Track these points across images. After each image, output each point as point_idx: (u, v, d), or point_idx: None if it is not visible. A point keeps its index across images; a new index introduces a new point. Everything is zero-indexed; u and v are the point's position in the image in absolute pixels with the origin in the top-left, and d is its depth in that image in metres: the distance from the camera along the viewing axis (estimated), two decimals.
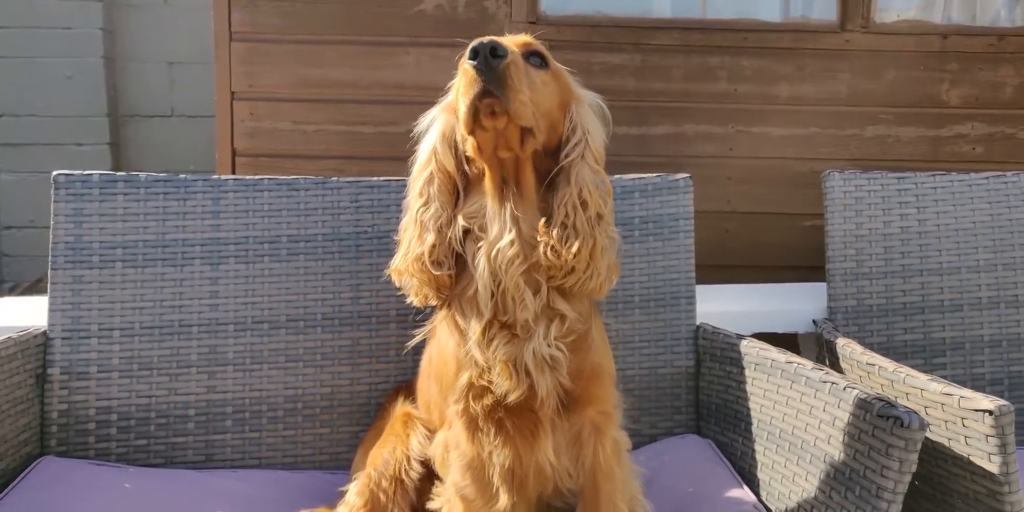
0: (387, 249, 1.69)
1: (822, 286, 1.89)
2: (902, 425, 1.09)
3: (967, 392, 1.20)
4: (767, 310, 1.98)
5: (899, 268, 1.86)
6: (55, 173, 1.63)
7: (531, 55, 1.08)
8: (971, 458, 1.19)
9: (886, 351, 1.80)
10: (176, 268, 1.64)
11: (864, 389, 1.20)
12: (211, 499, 1.47)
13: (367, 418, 1.66)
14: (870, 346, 1.75)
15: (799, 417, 1.35)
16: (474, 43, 0.98)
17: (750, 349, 1.54)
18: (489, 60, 0.97)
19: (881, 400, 1.15)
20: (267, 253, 1.67)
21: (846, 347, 1.61)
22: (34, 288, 3.67)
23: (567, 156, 1.09)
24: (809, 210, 2.39)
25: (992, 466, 1.15)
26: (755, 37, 2.46)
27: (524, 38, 1.10)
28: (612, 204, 1.14)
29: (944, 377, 1.67)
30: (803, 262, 2.41)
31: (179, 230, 1.65)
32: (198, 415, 1.62)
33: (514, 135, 1.02)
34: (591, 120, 1.14)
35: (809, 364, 1.37)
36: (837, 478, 1.21)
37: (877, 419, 1.14)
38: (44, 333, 1.59)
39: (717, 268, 2.38)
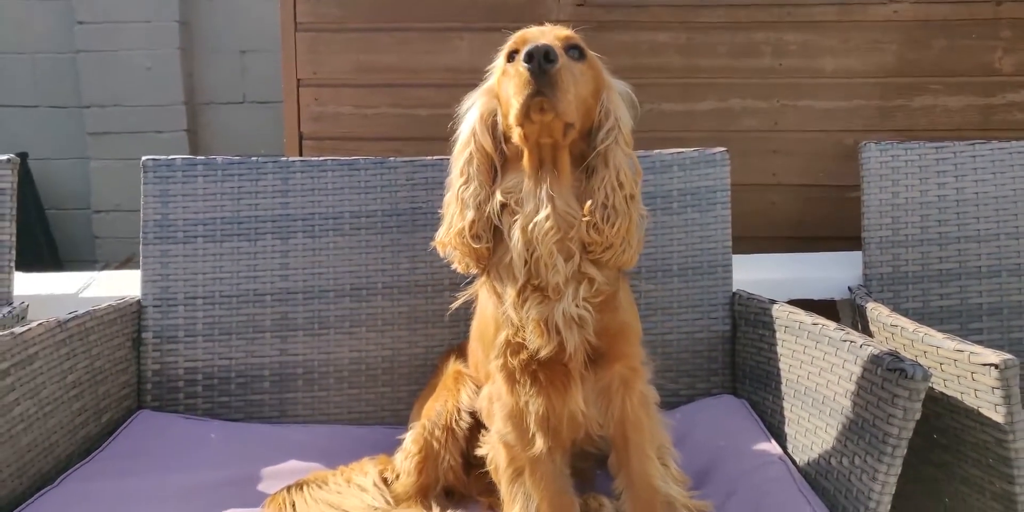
0: (439, 223, 1.82)
1: (859, 254, 1.95)
2: (907, 376, 1.18)
3: (977, 348, 1.28)
4: (804, 278, 2.05)
5: (936, 235, 1.91)
6: (144, 158, 1.82)
7: (571, 48, 1.18)
8: (980, 410, 1.27)
9: (921, 317, 1.87)
10: (250, 242, 1.81)
11: (877, 346, 1.29)
12: (285, 449, 1.64)
13: (424, 377, 1.80)
14: (905, 312, 1.82)
15: (822, 374, 1.44)
16: (529, 47, 1.08)
17: (781, 313, 1.63)
18: (543, 64, 1.08)
19: (891, 355, 1.24)
20: (331, 228, 1.82)
21: (874, 310, 1.68)
22: (123, 267, 3.94)
23: (603, 141, 1.20)
24: (854, 182, 2.44)
25: (998, 416, 1.23)
26: (799, 11, 2.50)
27: (565, 32, 1.20)
28: (641, 183, 1.24)
29: (981, 342, 1.72)
30: (849, 233, 2.45)
31: (252, 208, 1.82)
32: (272, 375, 1.79)
33: (558, 127, 1.14)
34: (621, 106, 1.24)
35: (832, 325, 1.46)
36: (851, 428, 1.30)
37: (887, 372, 1.23)
38: (138, 301, 1.77)
39: (763, 240, 2.46)
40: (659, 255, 1.83)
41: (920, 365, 1.18)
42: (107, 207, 4.32)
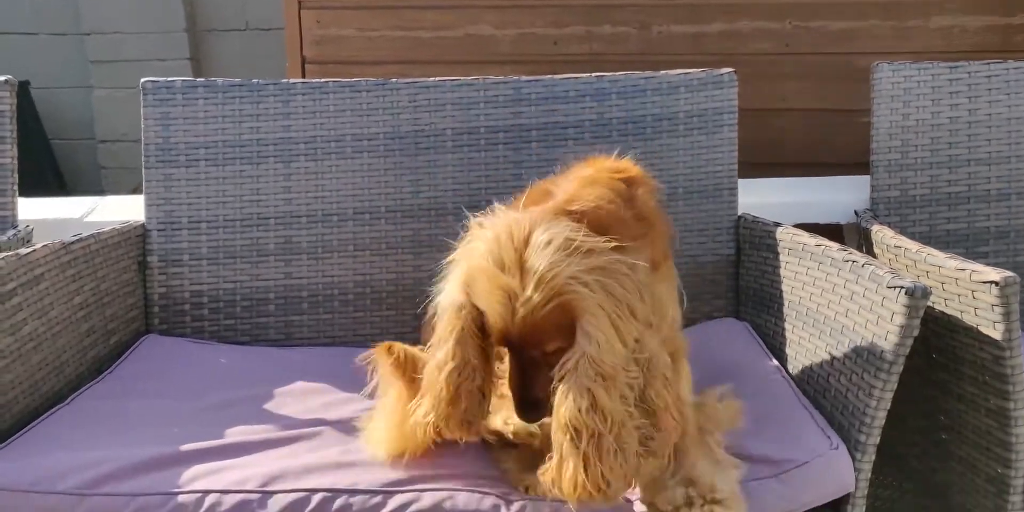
0: (443, 146, 1.81)
1: (866, 179, 1.93)
2: (907, 293, 1.18)
3: (978, 266, 1.27)
4: (811, 201, 2.04)
5: (946, 158, 1.89)
6: (143, 80, 1.80)
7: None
8: (979, 327, 1.27)
9: (928, 241, 1.85)
10: (253, 166, 1.80)
11: (879, 265, 1.29)
12: (292, 370, 1.66)
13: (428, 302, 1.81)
14: (912, 236, 1.80)
15: (823, 295, 1.45)
16: None
17: (785, 235, 1.63)
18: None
19: (891, 273, 1.24)
20: (333, 151, 1.81)
21: (878, 233, 1.67)
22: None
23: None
24: (866, 106, 2.39)
25: (996, 333, 1.23)
26: None
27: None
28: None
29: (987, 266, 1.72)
30: (860, 159, 2.42)
31: (254, 131, 1.80)
32: (277, 298, 1.80)
33: None
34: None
35: (835, 246, 1.45)
36: (849, 346, 1.31)
37: (887, 290, 1.23)
38: (143, 225, 1.78)
39: (770, 166, 2.43)
40: (664, 178, 1.81)
41: (920, 283, 1.18)
42: (112, 137, 4.30)
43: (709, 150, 1.83)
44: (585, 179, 1.22)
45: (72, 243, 1.56)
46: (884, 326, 1.22)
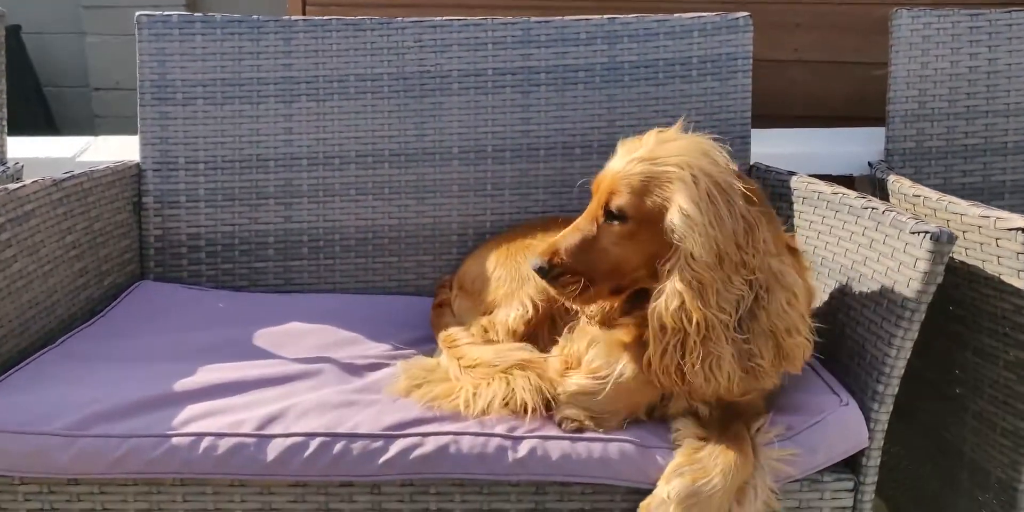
0: (449, 88, 1.75)
1: (881, 131, 1.88)
2: (932, 238, 1.14)
3: (1003, 213, 1.23)
4: (824, 152, 1.99)
5: (963, 109, 1.84)
6: (138, 14, 1.74)
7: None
8: (1001, 277, 1.24)
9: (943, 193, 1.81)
10: (252, 106, 1.74)
11: (900, 211, 1.25)
12: (290, 313, 1.62)
13: (432, 249, 1.77)
14: None
15: (840, 244, 1.41)
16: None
17: (799, 184, 1.58)
18: None
19: (915, 219, 1.19)
20: (336, 92, 1.75)
21: (896, 183, 1.63)
22: None
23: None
24: (881, 59, 2.33)
25: (1020, 282, 1.20)
26: None
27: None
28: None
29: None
30: (872, 113, 2.37)
31: (253, 70, 1.74)
32: (276, 242, 1.76)
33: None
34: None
35: (852, 194, 1.41)
36: (869, 295, 1.27)
37: (910, 236, 1.19)
38: (137, 165, 1.73)
39: (781, 118, 2.37)
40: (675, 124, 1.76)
41: (946, 228, 1.14)
42: (107, 85, 4.20)
43: (722, 97, 1.77)
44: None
45: (64, 180, 1.51)
46: (906, 273, 1.18)
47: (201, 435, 1.18)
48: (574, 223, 1.21)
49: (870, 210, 1.32)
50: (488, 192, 1.76)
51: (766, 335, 1.11)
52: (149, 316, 1.58)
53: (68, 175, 1.53)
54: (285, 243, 1.76)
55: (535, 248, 1.47)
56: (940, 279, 1.15)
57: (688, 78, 1.77)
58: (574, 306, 1.23)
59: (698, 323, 1.08)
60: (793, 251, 1.22)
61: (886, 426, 1.21)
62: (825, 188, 1.48)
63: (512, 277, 1.49)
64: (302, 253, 1.77)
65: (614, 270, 1.17)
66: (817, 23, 2.42)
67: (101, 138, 2.13)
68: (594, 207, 1.19)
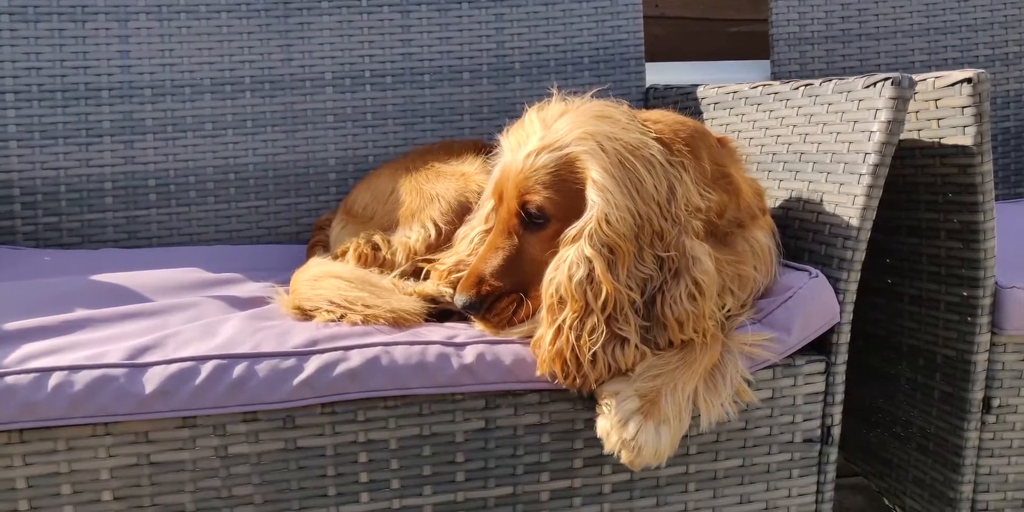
0: (317, 7, 1.55)
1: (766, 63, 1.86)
2: (893, 83, 1.06)
3: (940, 73, 1.18)
4: (716, 80, 1.94)
5: (839, 33, 1.85)
6: None
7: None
8: (942, 140, 1.18)
9: None
10: (76, 24, 1.46)
11: (840, 77, 1.17)
12: (138, 266, 1.32)
13: (307, 189, 1.54)
14: None
15: (768, 135, 1.32)
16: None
17: (709, 92, 1.50)
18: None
19: (862, 76, 1.12)
20: (183, 9, 1.50)
21: None
22: None
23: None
24: (744, 15, 2.34)
25: (967, 139, 1.14)
26: None
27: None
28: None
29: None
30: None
31: None
32: (116, 189, 1.47)
33: None
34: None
35: (776, 82, 1.33)
36: (822, 169, 1.18)
37: (864, 91, 1.11)
38: None
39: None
40: (567, 47, 1.65)
41: (905, 74, 1.07)
42: None
43: (613, 17, 1.68)
44: (675, 116, 1.11)
45: None
46: (865, 128, 1.09)
47: (46, 370, 0.89)
48: (488, 241, 1.04)
49: (803, 87, 1.24)
50: (368, 122, 1.56)
51: (660, 326, 0.96)
52: None
53: None
54: (126, 188, 1.47)
55: (440, 173, 1.30)
56: (903, 129, 1.07)
57: None
58: (511, 332, 1.02)
59: (606, 298, 0.93)
60: (726, 147, 1.12)
61: (854, 298, 1.11)
62: (742, 86, 1.40)
63: (413, 197, 1.29)
64: (149, 200, 1.48)
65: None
66: None
67: None
68: (505, 216, 1.02)
